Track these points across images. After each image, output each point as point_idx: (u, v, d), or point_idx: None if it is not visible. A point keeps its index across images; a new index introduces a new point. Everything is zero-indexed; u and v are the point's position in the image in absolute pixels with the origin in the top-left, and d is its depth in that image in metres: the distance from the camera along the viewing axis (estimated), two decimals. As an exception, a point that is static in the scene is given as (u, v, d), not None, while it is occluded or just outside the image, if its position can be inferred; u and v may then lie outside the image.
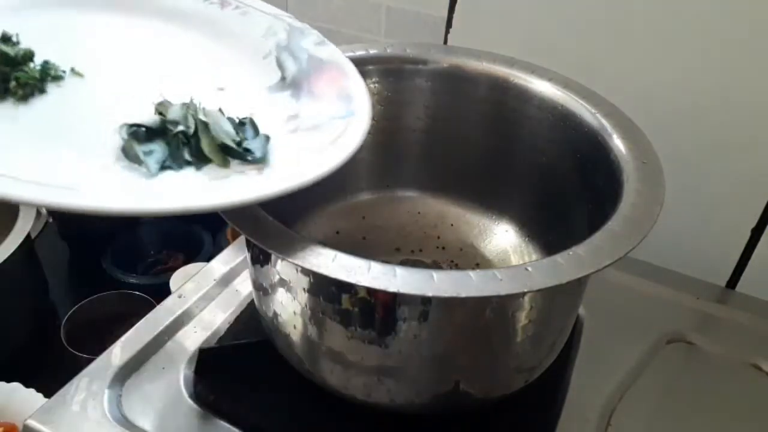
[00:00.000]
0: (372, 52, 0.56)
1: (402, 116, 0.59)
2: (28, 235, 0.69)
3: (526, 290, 0.35)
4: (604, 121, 0.49)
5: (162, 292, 0.64)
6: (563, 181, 0.53)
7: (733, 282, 0.68)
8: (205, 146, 0.39)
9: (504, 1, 0.67)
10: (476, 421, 0.48)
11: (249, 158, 0.40)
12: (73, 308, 0.72)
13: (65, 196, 0.33)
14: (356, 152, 0.41)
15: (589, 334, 0.57)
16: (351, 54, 0.55)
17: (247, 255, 0.47)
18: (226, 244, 0.78)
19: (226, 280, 0.61)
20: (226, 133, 0.40)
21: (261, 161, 0.40)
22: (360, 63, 0.55)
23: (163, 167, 0.38)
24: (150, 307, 0.59)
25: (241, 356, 0.51)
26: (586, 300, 0.48)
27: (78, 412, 0.47)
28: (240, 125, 0.42)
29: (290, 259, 0.35)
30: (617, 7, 0.62)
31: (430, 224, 0.62)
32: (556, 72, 0.54)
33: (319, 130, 0.43)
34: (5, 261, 0.66)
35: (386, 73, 0.57)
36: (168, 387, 0.50)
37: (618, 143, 0.47)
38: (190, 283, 0.60)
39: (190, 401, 0.49)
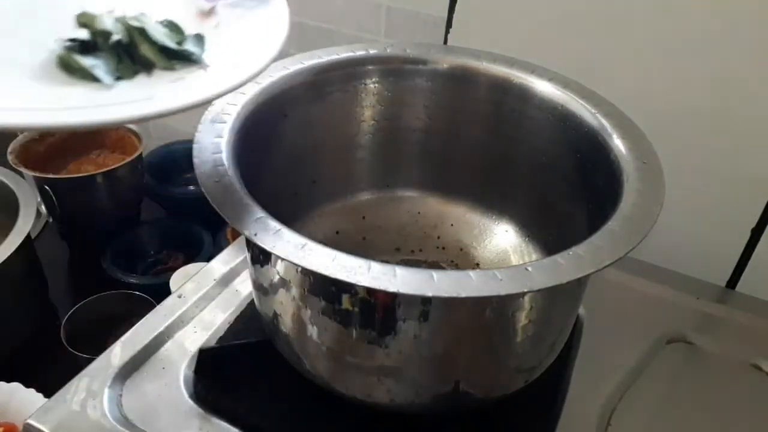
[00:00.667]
0: (372, 52, 0.56)
1: (402, 116, 0.59)
2: (28, 235, 0.69)
3: (526, 290, 0.35)
4: (604, 121, 0.49)
5: (162, 292, 0.64)
6: (563, 181, 0.53)
7: (733, 282, 0.68)
8: (146, 51, 0.36)
9: (504, 1, 0.67)
10: (476, 421, 0.48)
11: (194, 58, 0.37)
12: (73, 308, 0.72)
13: (33, 116, 0.30)
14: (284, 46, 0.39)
15: (589, 334, 0.57)
16: (351, 54, 0.56)
17: (247, 255, 0.47)
18: (226, 244, 0.78)
19: (226, 280, 0.61)
20: (165, 35, 0.37)
21: (200, 61, 0.37)
22: (360, 63, 0.56)
23: (116, 78, 0.35)
24: (150, 307, 0.59)
25: (241, 356, 0.51)
26: (586, 300, 0.48)
27: (78, 412, 0.47)
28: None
29: (290, 259, 0.35)
30: (617, 7, 0.62)
31: (430, 224, 0.62)
32: (556, 72, 0.54)
33: (241, 20, 0.40)
34: (5, 261, 0.65)
35: (386, 73, 0.57)
36: (168, 387, 0.50)
37: (618, 143, 0.47)
38: (190, 283, 0.60)
39: (190, 401, 0.49)
